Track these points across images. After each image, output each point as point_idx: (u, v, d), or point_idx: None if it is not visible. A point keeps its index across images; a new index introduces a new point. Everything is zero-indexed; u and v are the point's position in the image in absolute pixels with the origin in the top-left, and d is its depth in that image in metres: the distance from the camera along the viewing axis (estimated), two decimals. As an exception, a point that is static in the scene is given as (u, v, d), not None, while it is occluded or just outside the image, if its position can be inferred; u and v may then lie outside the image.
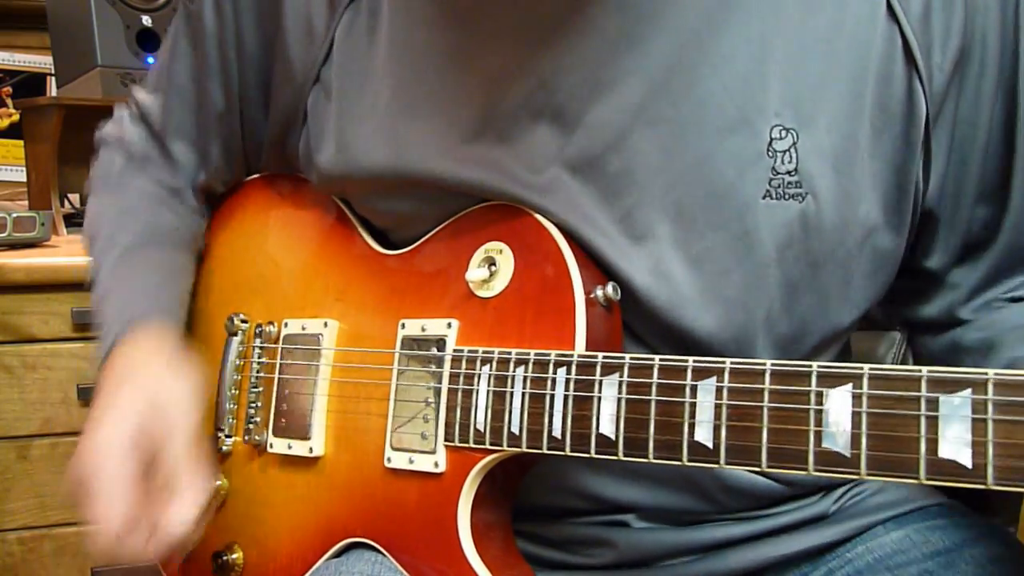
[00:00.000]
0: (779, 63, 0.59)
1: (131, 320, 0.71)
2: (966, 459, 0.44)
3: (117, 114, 0.87)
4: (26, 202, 1.59)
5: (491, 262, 0.63)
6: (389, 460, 0.65)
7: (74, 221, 1.61)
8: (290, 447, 0.71)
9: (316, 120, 0.70)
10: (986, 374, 0.43)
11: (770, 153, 0.59)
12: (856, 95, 0.59)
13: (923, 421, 0.45)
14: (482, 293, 0.63)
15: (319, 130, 0.70)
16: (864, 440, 0.46)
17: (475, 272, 0.63)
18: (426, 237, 0.69)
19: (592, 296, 0.59)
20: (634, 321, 0.63)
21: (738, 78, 0.59)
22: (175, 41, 0.79)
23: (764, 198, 0.59)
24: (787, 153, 0.58)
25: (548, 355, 0.57)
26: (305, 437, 0.70)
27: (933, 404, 0.45)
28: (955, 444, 0.44)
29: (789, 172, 0.59)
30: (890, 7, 0.60)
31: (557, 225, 0.62)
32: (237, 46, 0.74)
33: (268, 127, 0.75)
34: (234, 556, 0.74)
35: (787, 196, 0.59)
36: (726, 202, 0.59)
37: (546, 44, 0.61)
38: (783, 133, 0.59)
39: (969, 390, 0.44)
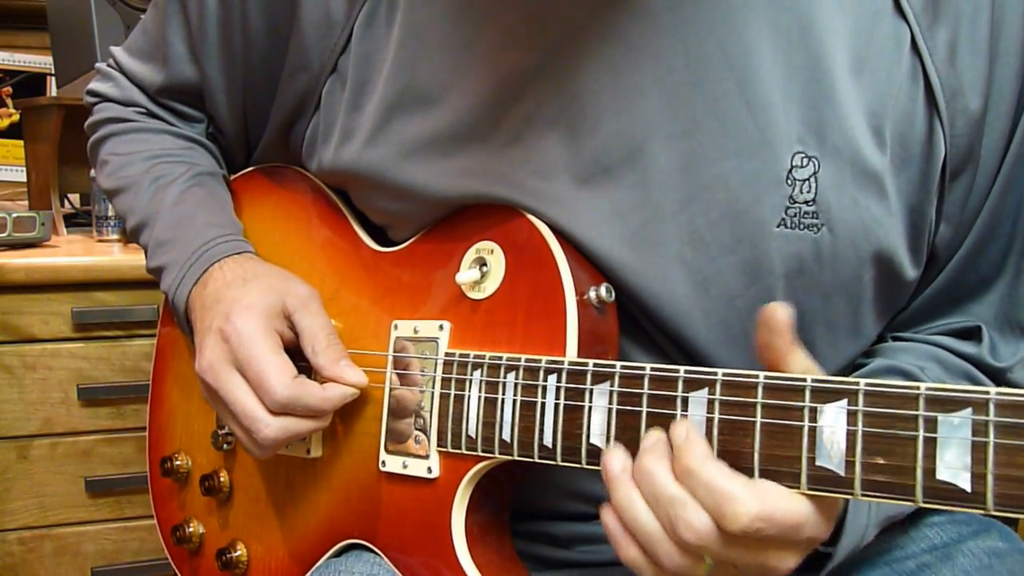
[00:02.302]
0: (804, 89, 0.57)
1: (229, 236, 0.73)
2: (965, 483, 0.42)
3: (107, 72, 0.86)
4: (26, 202, 1.59)
5: (482, 263, 0.62)
6: (383, 464, 0.65)
7: (74, 221, 1.61)
8: (288, 448, 0.71)
9: (328, 110, 0.70)
10: (988, 393, 0.42)
11: (789, 181, 0.57)
12: (878, 129, 0.58)
13: (920, 442, 0.43)
14: (473, 295, 0.62)
15: (330, 120, 0.70)
16: (859, 459, 0.45)
17: (466, 274, 0.62)
18: (419, 235, 0.68)
19: (585, 297, 0.58)
20: (643, 321, 0.62)
21: (762, 99, 0.57)
22: (167, 13, 0.78)
23: (778, 226, 0.58)
24: (807, 182, 0.57)
25: (539, 361, 0.56)
26: (302, 439, 0.70)
27: (931, 424, 0.43)
28: (954, 467, 0.42)
29: (807, 202, 0.57)
30: (915, 43, 0.58)
31: (560, 234, 0.61)
32: (243, 31, 0.73)
33: (273, 112, 0.75)
34: (238, 553, 0.75)
35: (802, 226, 0.58)
36: (739, 226, 0.58)
37: (566, 47, 0.59)
38: (804, 161, 0.57)
39: (969, 410, 0.42)
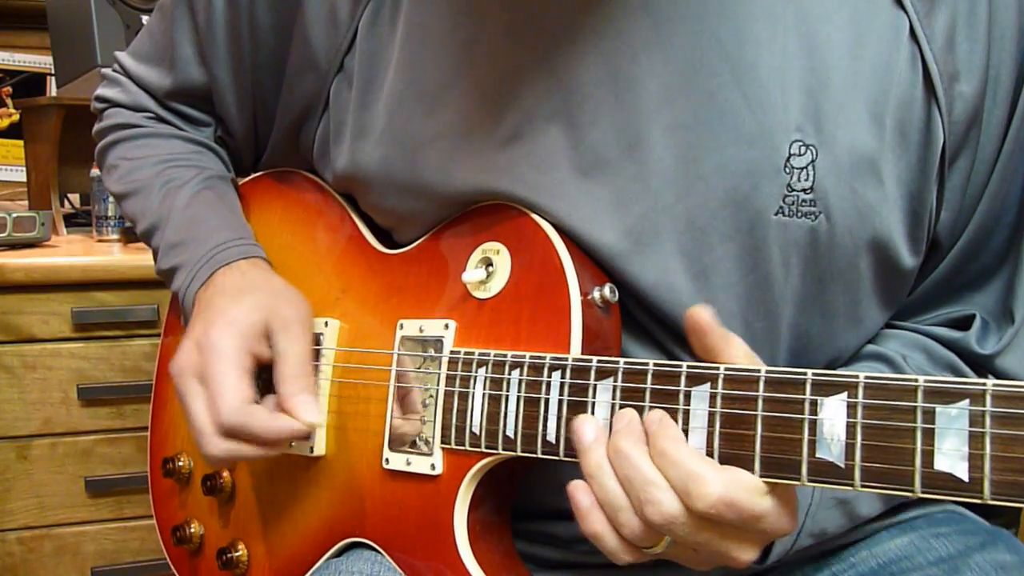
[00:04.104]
0: (802, 78, 0.58)
1: (241, 239, 0.74)
2: (963, 472, 0.43)
3: (113, 77, 0.87)
4: (26, 202, 1.59)
5: (488, 263, 0.63)
6: (387, 461, 0.65)
7: (74, 221, 1.61)
8: (292, 446, 0.71)
9: (337, 110, 0.70)
10: (984, 385, 0.43)
11: (787, 169, 0.58)
12: (877, 116, 0.58)
13: (919, 432, 0.44)
14: (479, 294, 0.63)
15: (339, 121, 0.70)
16: (859, 451, 0.46)
17: (472, 273, 0.63)
18: (426, 236, 0.69)
19: (589, 297, 0.59)
20: (642, 317, 0.63)
21: (760, 89, 0.58)
22: (174, 16, 0.78)
23: (776, 214, 0.58)
24: (805, 170, 0.57)
25: (543, 358, 0.57)
26: (306, 437, 0.71)
27: (929, 415, 0.44)
28: (952, 457, 0.43)
29: (805, 190, 0.58)
30: (913, 31, 0.58)
31: (560, 227, 0.61)
32: (251, 31, 0.73)
33: (281, 114, 0.75)
34: (238, 553, 0.75)
35: (800, 214, 0.58)
36: (738, 215, 0.58)
37: (565, 43, 0.60)
38: (802, 149, 0.58)
39: (967, 401, 0.43)
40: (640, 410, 0.53)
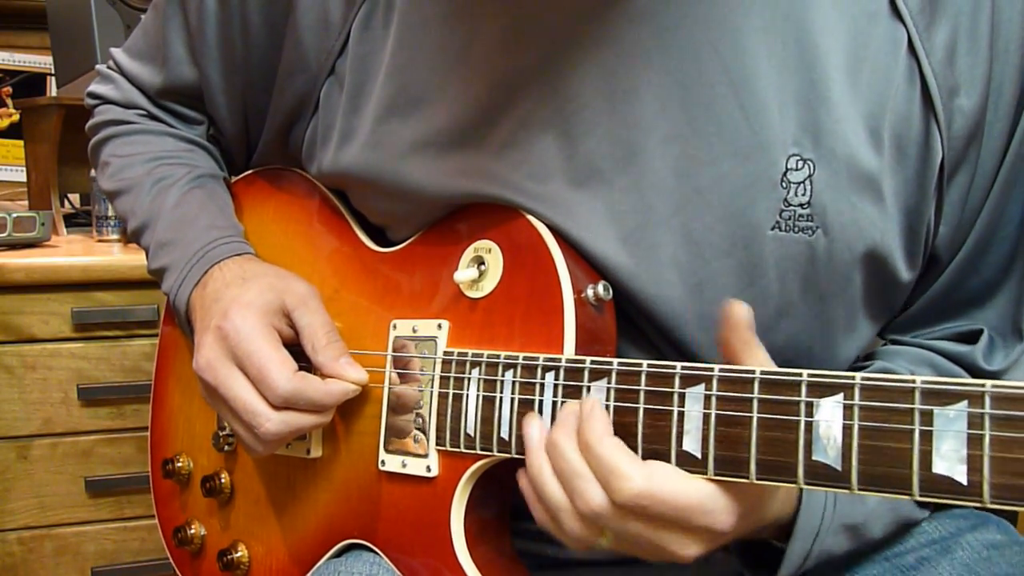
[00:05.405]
0: (800, 91, 0.57)
1: (229, 237, 0.74)
2: (961, 476, 0.42)
3: (107, 74, 0.86)
4: (26, 202, 1.59)
5: (480, 262, 0.62)
6: (383, 463, 0.65)
7: (74, 221, 1.62)
8: (288, 448, 0.71)
9: (327, 112, 0.70)
10: (983, 386, 0.42)
11: (784, 184, 0.57)
12: (875, 130, 0.58)
13: (916, 434, 0.43)
14: (471, 294, 0.63)
15: (328, 123, 0.70)
16: (855, 453, 0.45)
17: (464, 273, 0.62)
18: (418, 235, 0.68)
19: (583, 296, 0.58)
20: (641, 323, 0.62)
21: (757, 102, 0.57)
22: (166, 15, 0.78)
23: (772, 229, 0.58)
24: (802, 185, 0.57)
25: (536, 359, 0.57)
26: (302, 438, 0.70)
27: (927, 417, 0.43)
28: (950, 460, 0.42)
29: (802, 205, 0.57)
30: (911, 45, 0.58)
31: (555, 233, 0.61)
32: (242, 31, 0.73)
33: (271, 114, 0.75)
34: (239, 554, 0.75)
35: (797, 229, 0.57)
36: (734, 229, 0.58)
37: (560, 50, 0.59)
38: (800, 164, 0.57)
39: (965, 402, 0.42)
40: (635, 412, 0.52)
